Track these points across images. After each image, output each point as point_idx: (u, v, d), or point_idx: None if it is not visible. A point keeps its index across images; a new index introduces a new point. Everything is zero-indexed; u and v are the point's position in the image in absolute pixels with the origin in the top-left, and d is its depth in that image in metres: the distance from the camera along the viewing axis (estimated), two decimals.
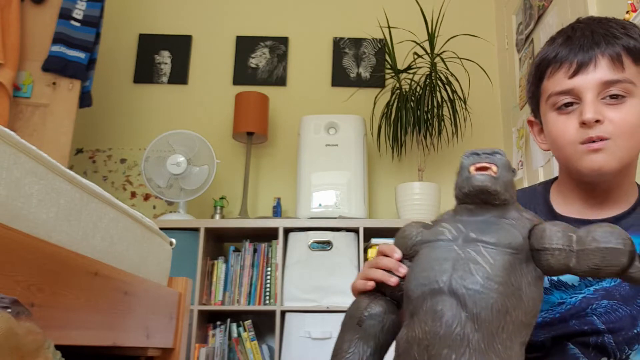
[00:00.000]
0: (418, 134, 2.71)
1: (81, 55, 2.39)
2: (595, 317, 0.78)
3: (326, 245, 2.46)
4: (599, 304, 0.78)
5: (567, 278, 0.81)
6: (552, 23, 2.31)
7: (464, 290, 0.59)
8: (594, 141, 0.78)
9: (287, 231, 2.53)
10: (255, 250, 2.57)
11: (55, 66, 2.34)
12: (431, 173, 2.80)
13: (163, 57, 3.18)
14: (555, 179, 0.93)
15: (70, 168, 2.48)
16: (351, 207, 2.55)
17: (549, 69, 0.83)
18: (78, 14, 2.43)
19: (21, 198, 0.74)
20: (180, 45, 3.19)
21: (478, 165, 0.64)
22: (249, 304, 2.47)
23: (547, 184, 0.93)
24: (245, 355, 2.45)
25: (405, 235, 0.72)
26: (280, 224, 2.52)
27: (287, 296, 2.40)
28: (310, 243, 2.46)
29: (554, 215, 0.86)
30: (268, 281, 2.49)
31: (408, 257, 0.70)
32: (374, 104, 2.87)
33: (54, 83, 2.35)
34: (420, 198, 2.56)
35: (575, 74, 0.79)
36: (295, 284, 2.41)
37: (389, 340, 0.69)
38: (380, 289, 0.72)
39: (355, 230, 2.50)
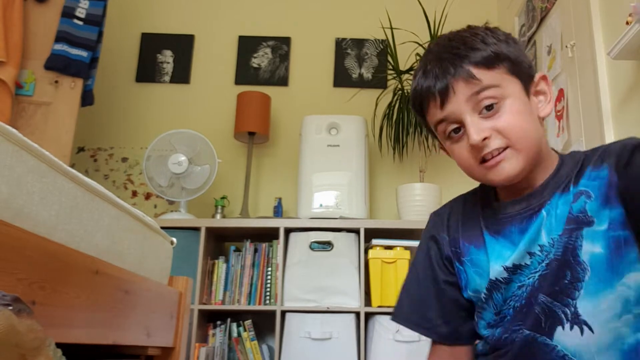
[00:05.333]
0: (419, 135, 2.71)
1: (83, 54, 2.39)
2: (541, 294, 0.80)
3: (327, 245, 2.45)
4: (545, 274, 0.80)
5: (521, 259, 0.82)
6: (555, 25, 2.31)
7: None
8: (490, 157, 0.79)
9: (288, 231, 2.53)
10: (255, 250, 2.57)
11: (57, 64, 2.34)
12: (432, 174, 2.80)
13: (165, 56, 3.18)
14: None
15: (72, 166, 2.47)
16: (352, 207, 2.55)
17: (423, 103, 0.85)
18: (81, 12, 2.43)
19: (23, 196, 0.74)
20: (182, 45, 3.20)
21: None
22: (249, 303, 2.47)
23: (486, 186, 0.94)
24: (245, 355, 2.45)
25: None
26: (281, 224, 2.52)
27: (287, 296, 2.40)
28: (310, 243, 2.45)
29: (493, 205, 0.89)
30: (268, 281, 2.49)
31: None
32: (376, 104, 2.87)
33: (56, 81, 2.36)
34: (422, 199, 2.56)
35: (442, 103, 0.81)
36: (296, 284, 2.41)
37: None
38: None
39: (356, 231, 2.50)
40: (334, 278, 2.40)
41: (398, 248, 2.45)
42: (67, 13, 2.40)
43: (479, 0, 3.23)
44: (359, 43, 3.18)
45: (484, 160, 0.80)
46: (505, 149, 0.79)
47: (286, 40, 3.21)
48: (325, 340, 2.30)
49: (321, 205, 2.55)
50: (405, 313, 0.97)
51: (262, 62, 3.18)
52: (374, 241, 2.47)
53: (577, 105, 2.04)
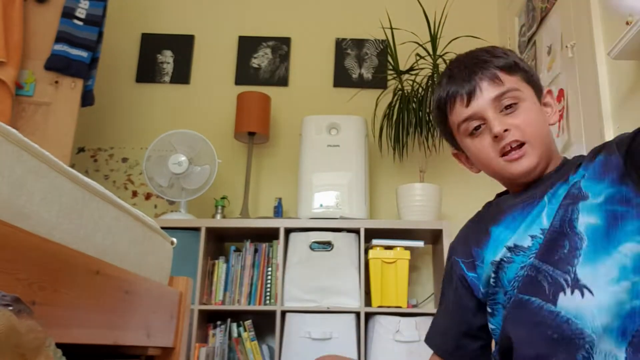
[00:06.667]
0: (420, 135, 2.71)
1: (84, 54, 2.39)
2: (543, 264, 0.85)
3: (327, 245, 2.45)
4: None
5: (522, 241, 0.89)
6: (555, 25, 2.31)
7: None
8: (511, 149, 0.90)
9: (288, 231, 2.53)
10: (256, 250, 2.57)
11: (57, 65, 2.34)
12: (432, 174, 2.80)
13: (165, 56, 3.18)
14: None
15: (72, 167, 2.47)
16: (352, 207, 2.55)
17: (447, 105, 0.97)
18: (81, 13, 2.43)
19: (23, 196, 0.74)
20: (182, 45, 3.20)
21: None
22: (249, 304, 2.47)
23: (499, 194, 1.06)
24: (245, 355, 2.45)
25: None
26: (281, 224, 2.52)
27: (287, 296, 2.40)
28: (311, 243, 2.45)
29: (498, 202, 1.01)
30: (269, 281, 2.49)
31: None
32: (376, 104, 2.87)
33: (56, 82, 2.36)
34: (422, 199, 2.56)
35: (469, 101, 0.93)
36: (296, 284, 2.41)
37: None
38: None
39: (356, 231, 2.50)
40: (334, 278, 2.40)
41: (398, 248, 2.45)
42: (67, 13, 2.40)
43: (479, 0, 3.23)
44: (359, 43, 3.18)
45: (503, 155, 0.91)
46: (522, 145, 0.90)
47: (286, 41, 3.21)
48: (326, 340, 2.30)
49: (321, 205, 2.55)
50: (431, 338, 1.07)
51: (262, 62, 3.18)
52: (374, 241, 2.47)
53: (577, 105, 2.04)
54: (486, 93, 0.92)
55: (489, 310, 0.95)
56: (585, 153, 2.12)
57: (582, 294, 0.79)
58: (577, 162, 0.91)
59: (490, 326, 0.96)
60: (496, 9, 3.21)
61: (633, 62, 1.70)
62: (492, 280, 0.92)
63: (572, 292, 0.80)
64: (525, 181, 0.94)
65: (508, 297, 0.90)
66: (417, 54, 2.77)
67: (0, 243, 0.65)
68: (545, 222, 0.87)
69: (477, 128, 0.93)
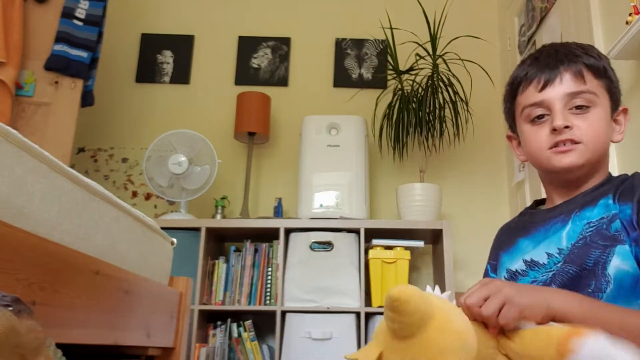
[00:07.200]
0: (420, 135, 2.71)
1: (83, 54, 2.39)
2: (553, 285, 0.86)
3: (327, 245, 2.45)
4: (561, 275, 0.86)
5: (539, 257, 0.89)
6: (555, 25, 2.31)
7: None
8: (563, 145, 0.89)
9: (288, 231, 2.53)
10: (256, 251, 2.57)
11: (57, 65, 2.34)
12: (432, 174, 2.80)
13: (165, 56, 3.18)
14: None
15: (72, 167, 2.48)
16: (352, 207, 2.55)
17: (521, 86, 0.95)
18: (81, 13, 2.43)
19: (23, 196, 0.74)
20: (182, 45, 3.20)
21: None
22: (249, 304, 2.47)
23: (537, 201, 1.06)
24: (245, 355, 2.45)
25: None
26: (281, 224, 2.52)
27: (287, 296, 2.40)
28: (311, 243, 2.45)
29: (532, 213, 1.00)
30: (269, 281, 2.49)
31: None
32: (376, 104, 2.87)
33: (56, 82, 2.36)
34: (422, 199, 2.56)
35: (543, 87, 0.91)
36: (296, 285, 2.41)
37: None
38: None
39: (356, 231, 2.50)
40: (334, 278, 2.40)
41: (398, 248, 2.45)
42: (67, 13, 2.40)
43: (479, 0, 3.23)
44: (359, 43, 3.18)
45: (554, 147, 0.90)
46: (577, 143, 0.89)
47: (286, 41, 3.21)
48: (326, 340, 2.30)
49: (321, 205, 2.55)
50: None
51: (262, 62, 3.18)
52: (374, 241, 2.47)
53: None
54: (564, 85, 0.90)
55: None
56: None
57: None
58: (617, 189, 0.88)
59: None
60: (496, 9, 3.21)
61: (633, 62, 1.70)
62: None
63: None
64: (565, 180, 0.93)
65: None
66: (417, 54, 2.77)
67: (0, 243, 0.65)
68: (564, 242, 0.87)
69: (540, 117, 0.92)
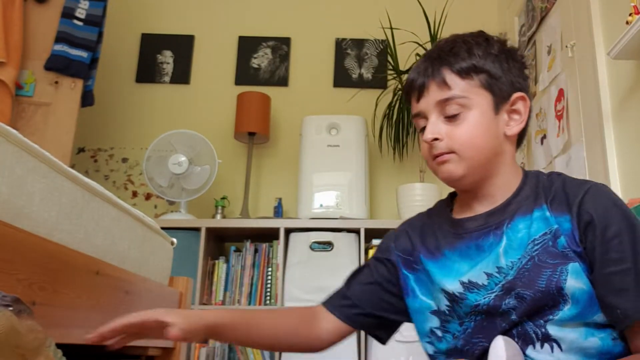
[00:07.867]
0: (420, 135, 2.71)
1: (84, 54, 2.39)
2: (511, 310, 0.82)
3: (327, 245, 2.45)
4: (509, 299, 0.82)
5: (477, 278, 0.84)
6: (555, 25, 2.31)
7: None
8: (439, 155, 0.87)
9: (288, 231, 2.53)
10: (256, 251, 2.57)
11: (57, 65, 2.34)
12: (432, 174, 2.79)
13: (165, 56, 3.18)
14: None
15: (72, 167, 2.47)
16: (352, 207, 2.55)
17: (408, 95, 0.93)
18: (81, 13, 2.43)
19: (23, 196, 0.74)
20: (182, 45, 3.20)
21: None
22: (249, 304, 2.47)
23: (454, 194, 1.00)
24: (245, 355, 2.45)
25: None
26: (281, 224, 2.52)
27: (287, 296, 2.40)
28: (311, 243, 2.45)
29: (451, 221, 0.94)
30: (269, 281, 2.49)
31: None
32: (376, 104, 2.87)
33: (56, 82, 2.36)
34: (422, 199, 2.56)
35: (419, 98, 0.89)
36: (296, 285, 2.41)
37: None
38: None
39: (356, 231, 2.50)
40: (334, 278, 2.37)
41: None
42: (67, 13, 2.40)
43: (479, 0, 3.23)
44: (359, 43, 3.18)
45: (435, 158, 0.88)
46: (451, 153, 0.86)
47: (286, 41, 3.21)
48: None
49: (321, 205, 2.55)
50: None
51: (262, 62, 3.18)
52: (374, 241, 2.47)
53: (577, 105, 2.04)
54: (432, 96, 0.87)
55: (438, 334, 0.91)
56: (585, 153, 2.10)
57: (552, 349, 0.79)
58: (540, 193, 0.85)
59: (431, 349, 0.92)
60: (496, 9, 3.21)
61: (633, 62, 1.70)
62: (446, 307, 0.88)
63: (542, 346, 0.79)
64: (462, 189, 0.91)
65: (461, 324, 0.86)
66: (417, 54, 2.77)
67: (0, 243, 0.65)
68: (502, 259, 0.83)
69: (424, 128, 0.89)
